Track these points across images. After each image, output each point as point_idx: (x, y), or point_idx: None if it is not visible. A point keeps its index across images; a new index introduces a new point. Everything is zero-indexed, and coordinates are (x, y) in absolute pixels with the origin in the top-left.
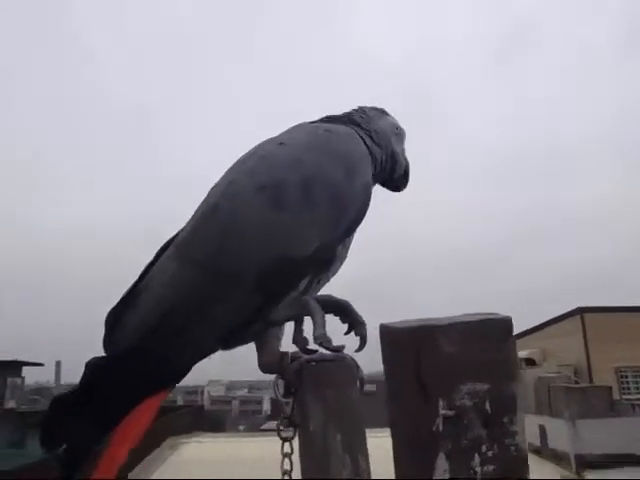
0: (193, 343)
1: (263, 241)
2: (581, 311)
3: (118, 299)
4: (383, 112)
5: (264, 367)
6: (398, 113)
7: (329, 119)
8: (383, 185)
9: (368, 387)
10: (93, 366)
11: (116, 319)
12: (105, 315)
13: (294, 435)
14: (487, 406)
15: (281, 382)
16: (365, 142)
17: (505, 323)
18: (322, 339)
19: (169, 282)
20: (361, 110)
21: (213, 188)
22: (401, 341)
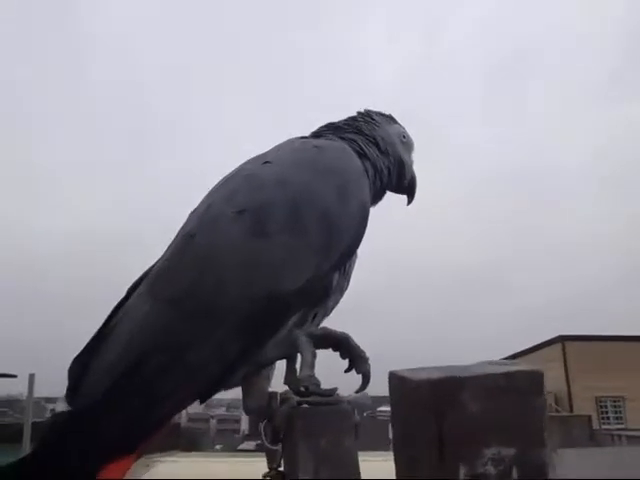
0: (167, 396)
1: (244, 274)
2: (562, 339)
3: (84, 345)
4: (391, 119)
5: (250, 410)
6: None
7: (330, 128)
8: (393, 192)
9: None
10: (54, 424)
11: (82, 366)
12: (70, 362)
13: None
14: (514, 475)
15: (269, 427)
16: (368, 151)
17: (535, 377)
18: (308, 382)
19: (140, 324)
20: (367, 115)
21: (192, 213)
22: (418, 396)
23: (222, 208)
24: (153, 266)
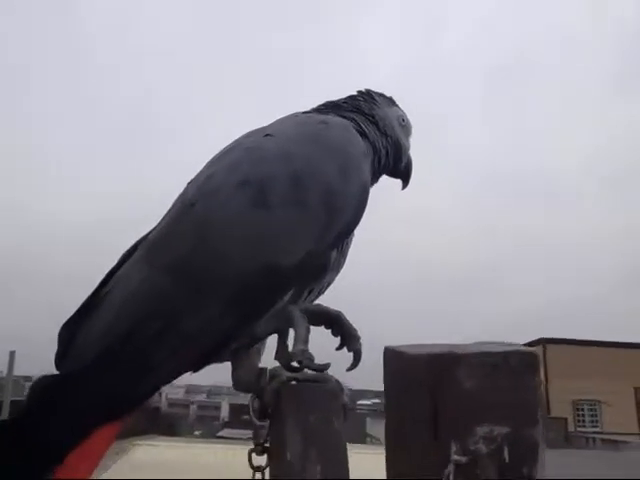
0: (159, 364)
1: (244, 245)
2: (544, 342)
3: (75, 309)
4: (391, 101)
5: (239, 385)
6: None
7: (328, 106)
8: (389, 175)
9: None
10: (40, 387)
11: (71, 332)
12: (60, 326)
13: (267, 464)
14: (505, 453)
15: (257, 402)
16: (367, 130)
17: (531, 358)
18: (301, 356)
19: (134, 291)
20: (368, 94)
21: (189, 183)
22: (414, 370)
23: (223, 178)
24: (148, 234)
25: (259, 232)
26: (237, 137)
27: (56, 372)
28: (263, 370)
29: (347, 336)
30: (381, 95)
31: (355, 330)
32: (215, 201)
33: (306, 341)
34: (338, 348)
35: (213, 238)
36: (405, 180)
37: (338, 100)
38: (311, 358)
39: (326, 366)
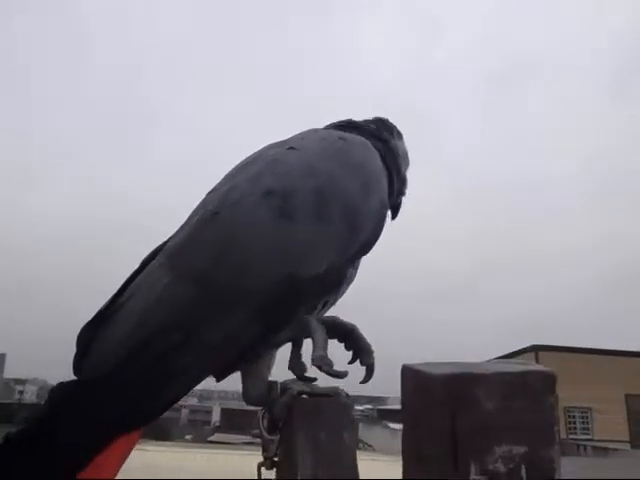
0: (182, 371)
1: (268, 255)
2: (535, 349)
3: (95, 312)
4: (400, 134)
5: (250, 399)
6: None
7: (349, 126)
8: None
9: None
10: (58, 393)
11: (91, 336)
12: (78, 330)
13: (276, 478)
14: (522, 473)
15: (267, 416)
16: (384, 158)
17: (548, 378)
18: (321, 362)
19: (157, 297)
20: (385, 123)
21: (209, 193)
22: (432, 391)
23: (247, 189)
24: (167, 241)
25: (284, 243)
26: (259, 149)
27: (74, 378)
28: (274, 384)
29: (361, 350)
30: (395, 127)
31: (369, 344)
32: (240, 211)
33: (325, 347)
34: (351, 362)
35: (238, 247)
36: (395, 214)
37: (358, 122)
38: (330, 364)
39: (344, 373)
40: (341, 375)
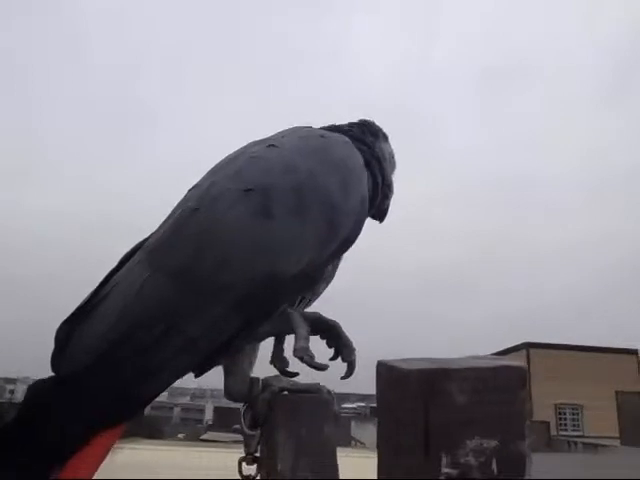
0: (161, 366)
1: (247, 252)
2: (527, 346)
3: (73, 309)
4: (386, 137)
5: (231, 395)
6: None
7: (331, 128)
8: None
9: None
10: (37, 390)
11: (69, 333)
12: (56, 327)
13: (257, 474)
14: (493, 466)
15: (248, 412)
16: (369, 163)
17: (519, 372)
18: (303, 353)
19: (136, 292)
20: (371, 125)
21: (191, 190)
22: (407, 384)
23: (227, 186)
24: (147, 238)
25: (262, 239)
26: (240, 146)
27: (52, 374)
28: (255, 380)
29: (342, 346)
30: (380, 129)
31: (350, 341)
32: (219, 207)
33: (307, 339)
34: (332, 358)
35: (217, 244)
36: (382, 217)
37: (342, 125)
38: (312, 356)
39: (325, 366)
40: (322, 367)
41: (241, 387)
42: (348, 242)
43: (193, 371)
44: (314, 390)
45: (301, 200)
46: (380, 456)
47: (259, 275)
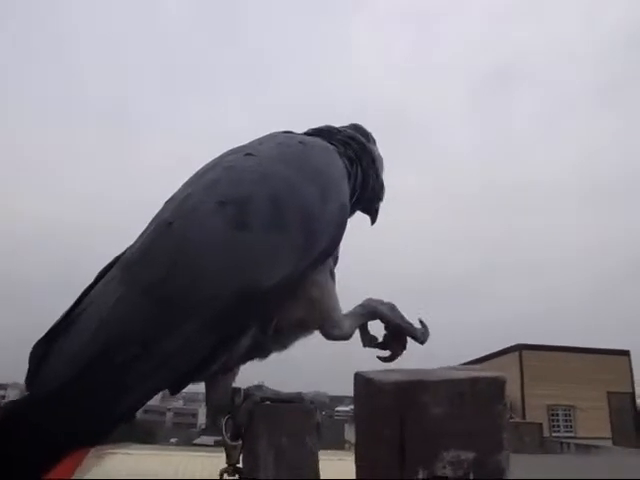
0: (136, 384)
1: (221, 267)
2: (520, 348)
3: (48, 328)
4: (373, 139)
5: (213, 406)
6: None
7: (315, 132)
8: (362, 211)
9: None
10: (9, 412)
11: (43, 352)
12: (32, 346)
13: None
14: (471, 478)
15: (230, 422)
16: (361, 162)
17: (498, 383)
18: (403, 321)
19: (110, 310)
20: (359, 128)
21: (167, 202)
22: (382, 398)
23: (202, 198)
24: (124, 253)
25: (237, 254)
26: (217, 156)
27: (27, 394)
28: (237, 390)
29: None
30: (368, 132)
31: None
32: (193, 221)
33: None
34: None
35: (190, 259)
36: (374, 219)
37: (334, 127)
38: (411, 324)
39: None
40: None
41: (223, 397)
42: (327, 253)
43: (169, 388)
44: (297, 400)
45: (277, 211)
46: (357, 467)
47: (233, 291)
